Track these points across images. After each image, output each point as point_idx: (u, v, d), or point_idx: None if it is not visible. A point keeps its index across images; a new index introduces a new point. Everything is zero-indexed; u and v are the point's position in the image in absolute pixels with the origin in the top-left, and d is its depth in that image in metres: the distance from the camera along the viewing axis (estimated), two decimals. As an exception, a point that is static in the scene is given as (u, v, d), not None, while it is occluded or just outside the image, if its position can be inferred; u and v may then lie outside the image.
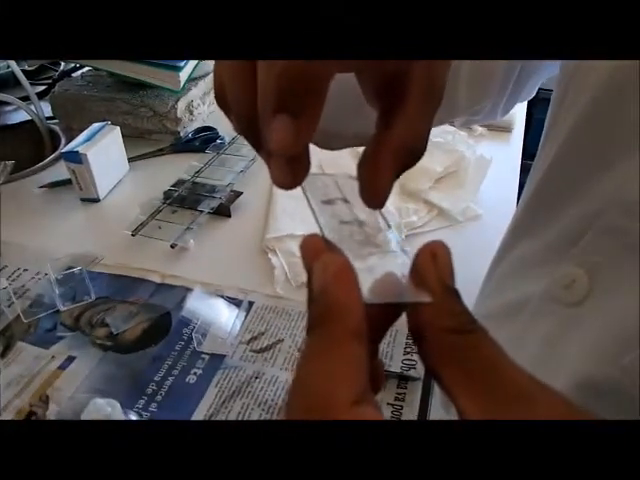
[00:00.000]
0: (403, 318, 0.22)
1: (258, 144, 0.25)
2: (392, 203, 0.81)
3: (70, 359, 0.61)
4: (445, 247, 0.21)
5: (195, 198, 0.85)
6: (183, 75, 0.99)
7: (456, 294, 0.21)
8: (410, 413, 0.54)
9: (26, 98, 1.07)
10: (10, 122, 1.13)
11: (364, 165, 0.24)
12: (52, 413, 0.55)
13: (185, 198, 0.85)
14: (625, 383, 0.32)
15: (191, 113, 1.05)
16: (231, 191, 0.87)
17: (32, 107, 1.07)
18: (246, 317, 0.66)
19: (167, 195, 0.86)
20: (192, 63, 1.02)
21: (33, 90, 1.08)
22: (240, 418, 0.54)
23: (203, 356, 0.61)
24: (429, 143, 0.24)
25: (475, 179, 0.88)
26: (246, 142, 0.26)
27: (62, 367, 0.60)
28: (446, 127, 0.92)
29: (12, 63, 1.08)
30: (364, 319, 0.19)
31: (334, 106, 0.25)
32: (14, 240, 0.79)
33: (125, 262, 0.75)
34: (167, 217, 0.82)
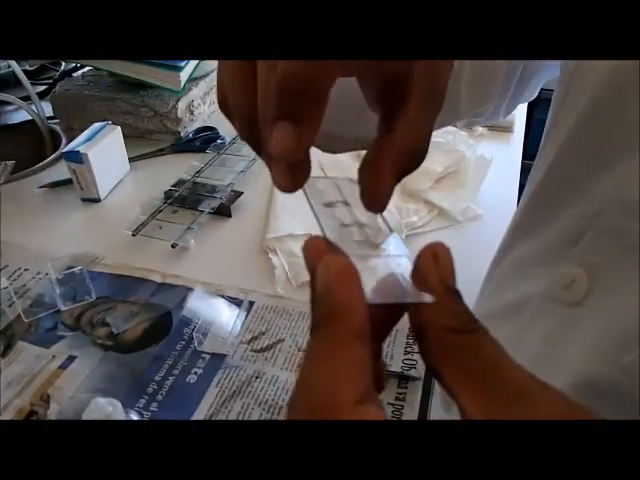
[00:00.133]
0: (403, 318, 0.22)
1: (260, 149, 0.25)
2: (392, 203, 0.81)
3: (71, 359, 0.61)
4: (446, 248, 0.21)
5: (196, 198, 0.85)
6: (184, 75, 0.99)
7: (457, 294, 0.21)
8: (410, 413, 0.54)
9: (27, 98, 1.07)
10: (11, 122, 1.13)
11: (365, 169, 0.24)
12: (53, 412, 0.55)
13: (186, 198, 0.85)
14: (625, 383, 0.32)
15: (192, 113, 1.05)
16: (232, 191, 0.87)
17: (33, 107, 1.07)
18: (247, 317, 0.66)
19: (168, 195, 0.86)
20: (192, 63, 1.02)
21: (34, 90, 1.08)
22: (240, 418, 0.54)
23: (204, 356, 0.61)
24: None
25: (475, 179, 0.88)
26: (247, 143, 0.26)
27: (63, 367, 0.60)
28: (446, 127, 0.92)
29: (13, 63, 1.08)
30: (367, 319, 0.19)
31: (336, 109, 0.25)
32: (15, 240, 0.79)
33: (126, 262, 0.75)
34: (168, 217, 0.82)
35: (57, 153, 1.00)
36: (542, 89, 0.52)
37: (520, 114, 1.10)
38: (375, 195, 0.24)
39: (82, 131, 0.88)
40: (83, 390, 0.58)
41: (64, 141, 1.04)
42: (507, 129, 1.06)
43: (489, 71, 0.45)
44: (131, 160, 0.96)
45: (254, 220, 0.83)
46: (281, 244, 0.76)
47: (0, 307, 0.67)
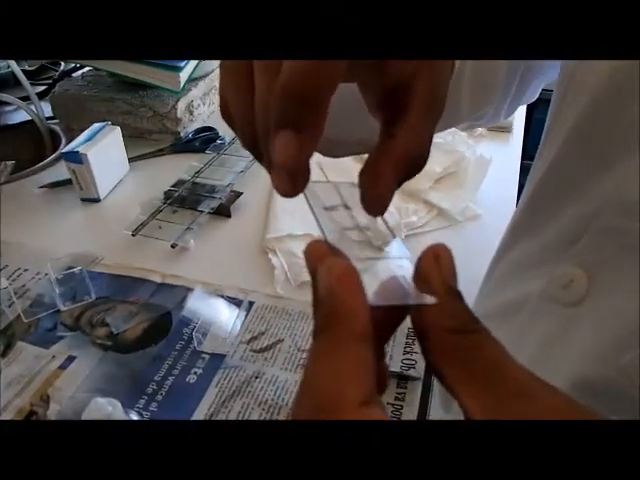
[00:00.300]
0: (403, 318, 0.22)
1: (261, 157, 0.25)
2: (392, 203, 0.80)
3: (70, 359, 0.61)
4: (447, 250, 0.22)
5: (195, 198, 0.85)
6: (183, 75, 0.99)
7: (459, 295, 0.21)
8: (410, 413, 0.54)
9: (26, 98, 1.07)
10: (10, 122, 1.13)
11: (366, 173, 0.24)
12: (53, 413, 0.55)
13: (185, 198, 0.86)
14: (624, 383, 0.32)
15: (191, 113, 1.05)
16: (231, 191, 0.87)
17: (32, 107, 1.07)
18: (246, 317, 0.66)
19: (167, 195, 0.86)
20: (192, 63, 1.02)
21: (33, 90, 1.08)
22: (240, 418, 0.54)
23: (203, 356, 0.61)
24: (429, 143, 0.25)
25: (475, 179, 0.88)
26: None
27: (62, 367, 0.60)
28: (446, 128, 0.92)
29: (12, 63, 1.08)
30: (370, 321, 0.19)
31: (337, 113, 0.25)
32: (14, 240, 0.79)
33: (125, 262, 0.75)
34: (167, 217, 0.82)
35: (57, 153, 1.00)
36: (542, 89, 0.52)
37: (519, 114, 1.10)
38: (375, 199, 0.24)
39: (82, 131, 0.88)
40: (83, 390, 0.58)
41: (64, 141, 1.04)
42: (506, 129, 1.06)
43: (489, 74, 0.45)
44: (131, 160, 0.96)
45: (254, 220, 0.83)
46: (281, 244, 0.76)
47: (0, 307, 0.67)
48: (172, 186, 0.88)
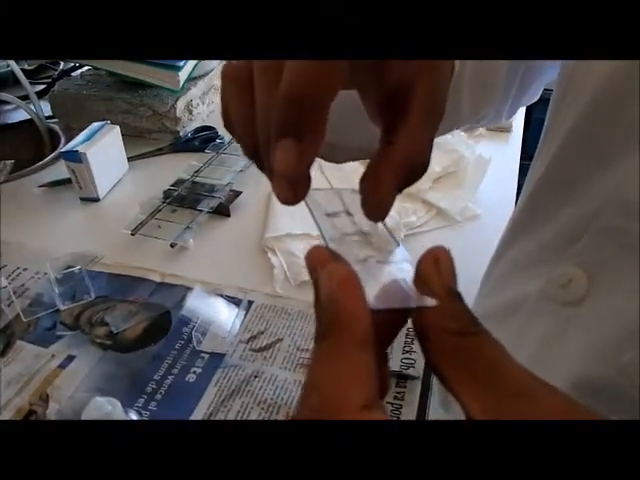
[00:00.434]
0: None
1: (263, 165, 0.26)
2: (391, 203, 0.81)
3: (70, 358, 0.61)
4: (447, 252, 0.22)
5: (194, 197, 0.85)
6: (182, 75, 0.99)
7: (459, 297, 0.21)
8: (409, 412, 0.55)
9: (26, 97, 1.07)
10: (10, 121, 1.13)
11: (366, 179, 0.24)
12: (52, 412, 0.55)
13: (184, 197, 0.85)
14: (623, 383, 0.32)
15: (190, 113, 1.05)
16: (230, 190, 0.87)
17: (32, 106, 1.06)
18: (245, 316, 0.66)
19: (167, 194, 0.86)
20: (191, 63, 1.02)
21: (33, 89, 1.08)
22: (240, 417, 0.54)
23: (203, 355, 0.61)
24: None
25: (474, 179, 0.88)
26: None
27: (62, 366, 0.60)
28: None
29: (11, 62, 1.08)
30: (371, 326, 0.20)
31: (338, 120, 0.26)
32: (14, 239, 0.79)
33: (125, 261, 0.75)
34: (167, 216, 0.82)
35: (56, 152, 1.00)
36: (541, 89, 0.52)
37: (519, 114, 1.10)
38: (376, 205, 0.24)
39: (81, 130, 0.88)
40: (82, 389, 0.58)
41: (63, 140, 1.04)
42: (506, 129, 1.06)
43: (489, 76, 0.45)
44: (130, 159, 0.96)
45: (253, 219, 0.83)
46: (280, 243, 0.76)
47: (-1, 306, 0.67)
48: (171, 185, 0.88)
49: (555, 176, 0.40)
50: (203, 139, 1.01)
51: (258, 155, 0.25)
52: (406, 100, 0.24)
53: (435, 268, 0.21)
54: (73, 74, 1.18)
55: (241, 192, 0.87)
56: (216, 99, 1.15)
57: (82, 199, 0.88)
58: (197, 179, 0.89)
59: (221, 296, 0.68)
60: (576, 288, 0.35)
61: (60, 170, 0.91)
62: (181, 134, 1.03)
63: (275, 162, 0.22)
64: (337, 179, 0.32)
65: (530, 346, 0.39)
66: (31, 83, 1.10)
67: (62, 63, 1.26)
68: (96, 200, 0.88)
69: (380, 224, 0.26)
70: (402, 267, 0.24)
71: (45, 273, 0.72)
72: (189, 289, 0.70)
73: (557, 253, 0.37)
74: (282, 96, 0.22)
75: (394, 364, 0.59)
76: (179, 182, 0.89)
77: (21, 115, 1.12)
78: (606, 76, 0.34)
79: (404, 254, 0.25)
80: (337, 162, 0.52)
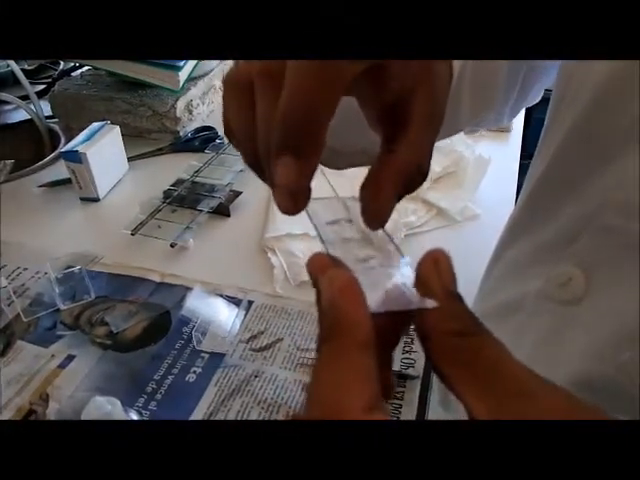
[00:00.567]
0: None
1: (264, 175, 0.26)
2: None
3: (70, 358, 0.61)
4: (446, 254, 0.22)
5: (194, 197, 0.85)
6: (182, 75, 0.99)
7: (459, 298, 0.21)
8: (409, 411, 0.55)
9: (26, 97, 1.07)
10: (10, 121, 1.13)
11: (366, 187, 0.25)
12: (52, 411, 0.55)
13: (184, 197, 0.85)
14: (622, 381, 0.32)
15: (190, 113, 1.05)
16: (230, 190, 0.87)
17: (32, 106, 1.06)
18: (245, 316, 0.66)
19: (167, 194, 0.86)
20: (191, 63, 1.02)
21: (33, 89, 1.08)
22: (240, 417, 0.55)
23: (203, 355, 0.61)
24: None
25: (474, 179, 0.88)
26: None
27: (62, 366, 0.60)
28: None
29: (11, 62, 1.08)
30: (371, 330, 0.20)
31: (339, 125, 0.26)
32: (14, 239, 0.79)
33: (125, 261, 0.75)
34: (166, 216, 0.82)
35: (56, 152, 1.00)
36: (540, 89, 0.52)
37: (519, 114, 1.10)
38: (375, 212, 0.25)
39: (81, 130, 0.88)
40: (82, 389, 0.58)
41: (63, 140, 1.04)
42: (505, 129, 1.06)
43: (489, 80, 0.45)
44: (130, 159, 0.96)
45: (253, 219, 0.83)
46: (280, 243, 0.76)
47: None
48: (171, 185, 0.88)
49: (555, 176, 0.40)
50: (203, 139, 1.01)
51: (258, 164, 0.26)
52: (405, 109, 0.24)
53: (435, 270, 0.22)
54: (73, 74, 1.18)
55: (241, 192, 0.87)
56: (216, 99, 1.15)
57: (82, 199, 0.88)
58: (197, 179, 0.89)
59: (221, 296, 0.68)
60: (575, 287, 0.36)
61: (60, 170, 0.91)
62: (181, 134, 1.03)
63: (276, 176, 0.23)
64: (338, 185, 0.32)
65: (529, 345, 0.39)
66: (31, 83, 1.10)
67: (62, 63, 1.26)
68: (96, 200, 0.88)
69: (380, 230, 0.26)
70: (402, 270, 0.24)
71: (45, 273, 0.72)
72: (189, 289, 0.70)
73: (556, 253, 0.37)
74: (281, 115, 0.22)
75: (394, 364, 0.59)
76: (179, 182, 0.89)
77: (21, 115, 1.12)
78: (606, 76, 0.34)
79: (404, 259, 0.25)
80: (338, 168, 0.52)
